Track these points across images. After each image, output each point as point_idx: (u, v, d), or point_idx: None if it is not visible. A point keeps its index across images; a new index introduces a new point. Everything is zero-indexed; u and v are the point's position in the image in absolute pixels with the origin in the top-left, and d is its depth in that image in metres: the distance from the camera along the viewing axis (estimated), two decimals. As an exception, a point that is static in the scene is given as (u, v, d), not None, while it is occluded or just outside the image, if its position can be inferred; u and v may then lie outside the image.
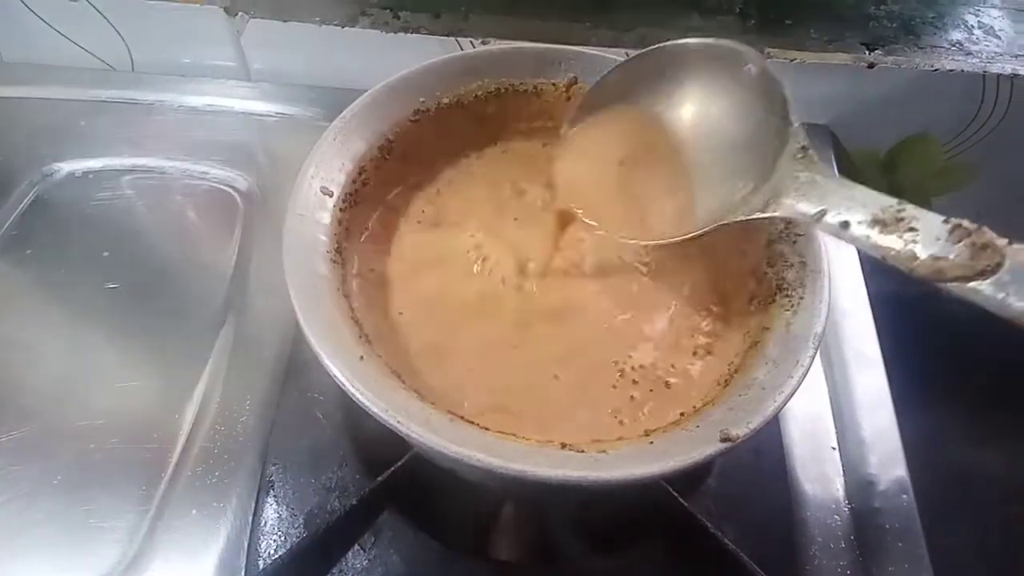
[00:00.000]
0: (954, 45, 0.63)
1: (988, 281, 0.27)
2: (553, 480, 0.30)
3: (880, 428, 0.48)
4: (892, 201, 0.30)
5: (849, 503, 0.45)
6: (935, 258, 0.28)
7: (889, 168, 0.68)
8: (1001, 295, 0.26)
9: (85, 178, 0.57)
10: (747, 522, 0.43)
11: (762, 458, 0.46)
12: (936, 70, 0.61)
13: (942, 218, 0.29)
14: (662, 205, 0.41)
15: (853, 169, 0.68)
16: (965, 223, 0.28)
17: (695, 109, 0.41)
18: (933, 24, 0.64)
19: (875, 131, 0.66)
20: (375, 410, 0.30)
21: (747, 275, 0.40)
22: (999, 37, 0.64)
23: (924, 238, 0.28)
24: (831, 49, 0.61)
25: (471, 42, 0.60)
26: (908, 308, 0.77)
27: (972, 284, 0.27)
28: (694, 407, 0.35)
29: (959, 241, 0.28)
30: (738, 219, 0.36)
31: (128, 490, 0.43)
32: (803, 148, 0.35)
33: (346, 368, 0.32)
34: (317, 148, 0.39)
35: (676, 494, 0.41)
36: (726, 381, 0.36)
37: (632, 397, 0.37)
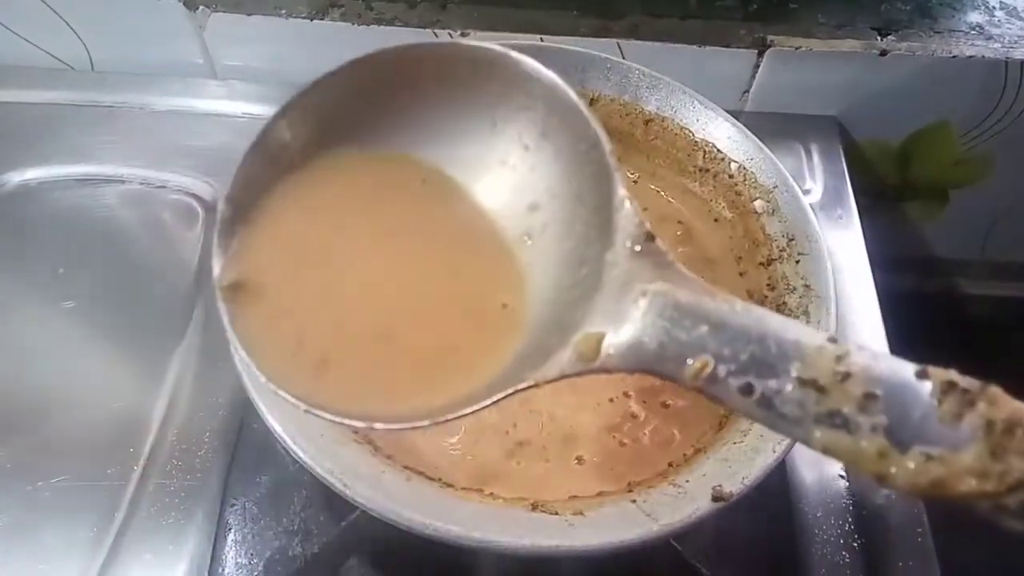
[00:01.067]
0: (973, 28, 0.58)
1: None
2: (522, 551, 0.26)
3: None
4: (822, 339, 0.19)
5: (859, 537, 0.42)
6: (928, 458, 0.16)
7: (903, 161, 0.64)
8: None
9: (39, 188, 0.54)
10: (747, 565, 0.39)
11: (764, 491, 0.42)
12: (954, 56, 0.56)
13: (914, 368, 0.17)
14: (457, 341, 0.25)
15: (863, 162, 0.64)
16: (958, 378, 0.17)
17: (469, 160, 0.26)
18: (950, 5, 0.60)
19: (887, 123, 0.62)
20: (319, 471, 0.27)
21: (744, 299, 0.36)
22: (1022, 19, 0.59)
23: (893, 413, 0.17)
24: (840, 35, 0.57)
25: (449, 34, 0.56)
26: (918, 305, 0.73)
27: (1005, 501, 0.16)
28: (684, 455, 0.31)
29: (959, 415, 0.16)
30: (548, 378, 0.21)
31: (79, 533, 0.40)
32: (639, 238, 0.22)
33: (288, 422, 0.28)
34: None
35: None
36: (720, 424, 0.32)
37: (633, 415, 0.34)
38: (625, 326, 0.21)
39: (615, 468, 0.32)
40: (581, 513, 0.28)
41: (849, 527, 0.42)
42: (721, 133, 0.40)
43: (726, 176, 0.40)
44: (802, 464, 0.44)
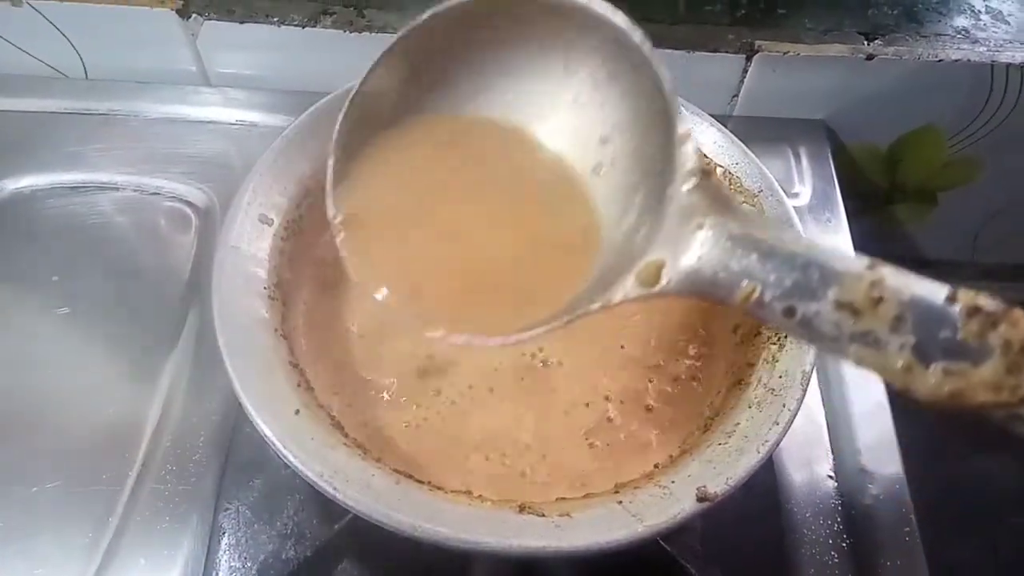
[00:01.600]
0: (960, 32, 0.59)
1: None
2: (510, 552, 0.27)
3: (880, 452, 0.45)
4: (860, 266, 0.20)
5: (848, 537, 0.42)
6: (947, 372, 0.18)
7: (891, 164, 0.65)
8: None
9: (33, 196, 0.54)
10: (736, 564, 0.40)
11: (752, 491, 0.42)
12: (940, 60, 0.57)
13: (946, 291, 0.19)
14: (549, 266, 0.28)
15: (852, 166, 0.64)
16: (984, 302, 0.18)
17: (543, 109, 0.29)
18: (937, 10, 0.60)
19: (875, 127, 0.62)
20: (308, 474, 0.28)
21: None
22: (1008, 22, 0.60)
23: (921, 333, 0.18)
24: (827, 40, 0.58)
25: (441, 41, 0.56)
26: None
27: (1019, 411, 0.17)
28: (670, 456, 0.32)
29: (982, 335, 0.18)
30: (613, 302, 0.23)
31: (74, 538, 0.41)
32: (696, 174, 0.23)
33: (277, 425, 0.29)
34: (254, 172, 0.36)
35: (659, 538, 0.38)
36: (706, 426, 0.32)
37: (609, 419, 0.34)
38: (684, 255, 0.22)
39: (601, 469, 0.32)
40: (568, 514, 0.28)
41: (838, 527, 0.42)
42: (707, 139, 0.40)
43: None
44: (791, 465, 0.44)
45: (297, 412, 0.30)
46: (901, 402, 0.47)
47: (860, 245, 0.55)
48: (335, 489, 0.27)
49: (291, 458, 0.28)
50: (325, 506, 0.41)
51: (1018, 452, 0.66)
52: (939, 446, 0.53)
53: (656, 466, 0.32)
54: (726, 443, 0.30)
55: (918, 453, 0.45)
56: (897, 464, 0.44)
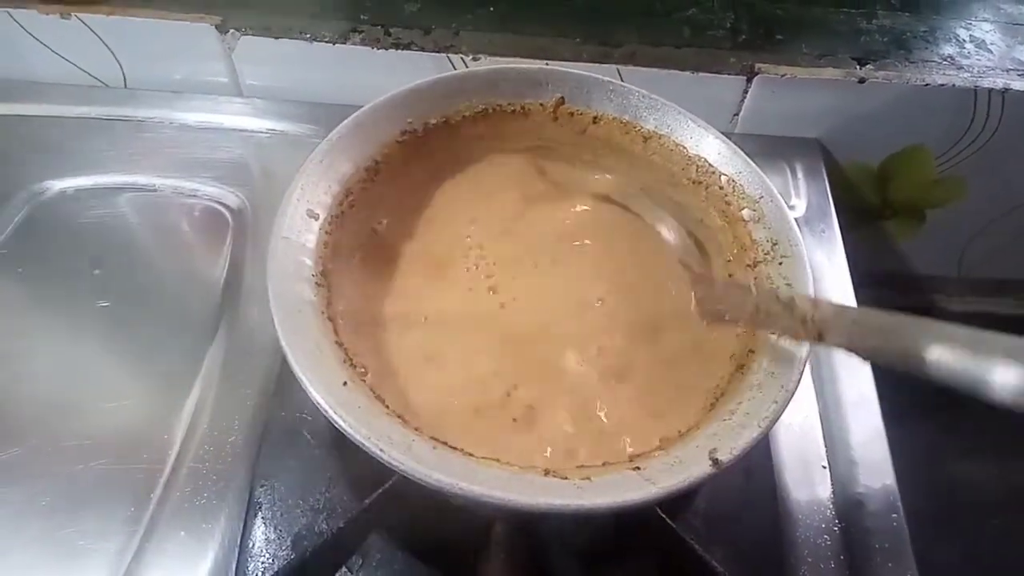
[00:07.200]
0: (945, 59, 0.63)
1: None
2: (536, 509, 0.30)
3: (870, 445, 0.48)
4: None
5: (839, 522, 0.45)
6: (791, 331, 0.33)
7: (882, 181, 0.69)
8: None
9: (76, 196, 0.57)
10: (736, 542, 0.43)
11: (751, 477, 0.46)
12: (927, 84, 0.61)
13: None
14: None
15: (845, 183, 0.68)
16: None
17: None
18: (924, 38, 0.64)
19: (867, 146, 0.66)
20: (357, 437, 0.30)
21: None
22: (991, 51, 0.64)
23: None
24: (822, 64, 0.61)
25: (462, 58, 0.60)
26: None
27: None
28: (679, 432, 0.35)
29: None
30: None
31: (116, 511, 0.43)
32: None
33: (329, 394, 0.32)
34: (303, 171, 0.39)
35: (664, 515, 0.41)
36: (711, 405, 0.36)
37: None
38: None
39: (615, 443, 0.35)
40: (588, 479, 0.31)
41: (830, 512, 0.46)
42: (712, 149, 0.44)
43: (717, 188, 0.43)
44: (787, 453, 0.47)
45: (344, 384, 0.33)
46: (890, 399, 0.50)
47: (853, 259, 0.58)
48: (381, 451, 0.30)
49: (342, 423, 0.31)
50: (355, 483, 0.44)
51: (998, 456, 0.69)
52: (925, 443, 0.56)
53: (663, 439, 0.35)
54: (729, 419, 0.33)
55: (904, 447, 0.49)
56: (885, 455, 0.47)
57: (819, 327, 0.31)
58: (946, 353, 0.25)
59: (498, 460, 0.33)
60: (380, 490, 0.41)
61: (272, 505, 0.43)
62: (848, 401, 0.50)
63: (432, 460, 0.31)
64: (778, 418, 0.33)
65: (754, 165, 0.42)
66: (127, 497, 0.44)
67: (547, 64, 0.58)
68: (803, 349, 0.35)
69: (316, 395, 0.31)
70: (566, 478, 0.31)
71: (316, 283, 0.37)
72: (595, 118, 0.46)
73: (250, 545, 0.42)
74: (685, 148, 0.44)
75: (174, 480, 0.44)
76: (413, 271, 0.43)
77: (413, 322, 0.40)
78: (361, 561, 0.41)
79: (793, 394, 0.33)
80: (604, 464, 0.34)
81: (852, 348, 0.30)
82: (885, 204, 0.71)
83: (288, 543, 0.42)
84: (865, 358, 0.31)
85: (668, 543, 0.40)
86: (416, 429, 0.33)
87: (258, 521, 0.43)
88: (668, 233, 0.46)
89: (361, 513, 0.40)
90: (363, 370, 0.35)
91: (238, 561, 0.41)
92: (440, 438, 0.33)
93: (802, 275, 0.38)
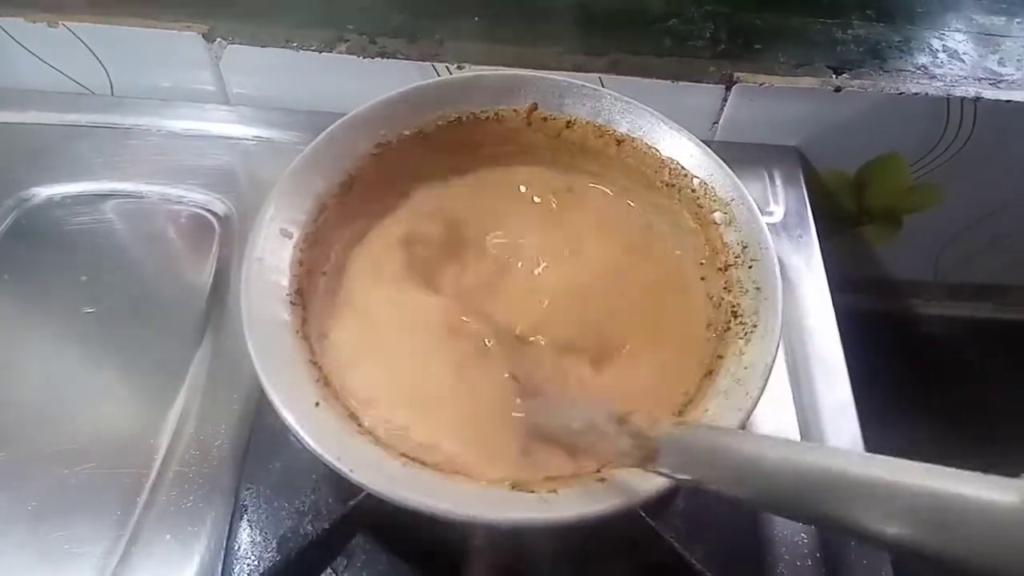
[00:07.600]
0: (919, 68, 0.64)
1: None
2: (502, 524, 0.30)
3: (847, 445, 0.49)
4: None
5: (816, 521, 0.46)
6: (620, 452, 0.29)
7: (858, 188, 0.70)
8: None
9: (63, 202, 0.58)
10: (715, 541, 0.44)
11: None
12: (901, 93, 0.62)
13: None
14: None
15: (823, 190, 0.69)
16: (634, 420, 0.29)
17: None
18: (899, 48, 0.66)
19: (843, 153, 0.67)
20: (327, 458, 0.31)
21: (705, 301, 0.41)
22: (963, 61, 0.65)
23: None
24: (799, 73, 0.63)
25: (447, 67, 0.61)
26: (874, 324, 0.78)
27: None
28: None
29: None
30: None
31: (103, 515, 0.44)
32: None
33: (299, 415, 0.32)
34: (276, 189, 0.39)
35: (644, 515, 0.41)
36: (679, 412, 0.36)
37: None
38: None
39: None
40: (555, 491, 0.31)
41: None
42: (684, 152, 0.44)
43: (689, 190, 0.43)
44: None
45: (317, 404, 0.33)
46: (865, 402, 0.51)
47: (830, 265, 0.59)
48: (350, 471, 0.31)
49: (312, 444, 0.31)
50: (339, 486, 0.44)
51: (975, 458, 0.70)
52: (902, 447, 0.57)
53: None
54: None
55: (881, 451, 0.50)
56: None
57: (654, 446, 0.28)
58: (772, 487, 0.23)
59: (467, 475, 0.33)
60: (364, 493, 0.41)
61: (258, 508, 0.44)
62: (825, 405, 0.51)
63: (401, 478, 0.31)
64: (743, 426, 0.33)
65: (727, 168, 0.42)
66: (114, 501, 0.44)
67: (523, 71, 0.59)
68: (768, 357, 0.35)
69: (287, 416, 0.32)
70: (533, 491, 0.32)
71: (291, 302, 0.37)
72: (568, 122, 0.46)
73: (236, 547, 0.42)
74: (658, 151, 0.44)
75: (160, 484, 0.45)
76: (384, 291, 0.43)
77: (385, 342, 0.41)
78: (346, 562, 0.42)
79: (757, 401, 0.34)
80: (572, 476, 0.34)
81: (683, 471, 0.27)
82: (862, 211, 0.72)
83: (274, 545, 0.42)
84: (697, 485, 0.27)
85: (649, 543, 0.41)
86: (386, 446, 0.33)
87: (244, 524, 0.43)
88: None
89: (346, 515, 0.41)
90: (337, 389, 0.36)
91: (224, 563, 0.42)
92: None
93: (771, 279, 0.38)
